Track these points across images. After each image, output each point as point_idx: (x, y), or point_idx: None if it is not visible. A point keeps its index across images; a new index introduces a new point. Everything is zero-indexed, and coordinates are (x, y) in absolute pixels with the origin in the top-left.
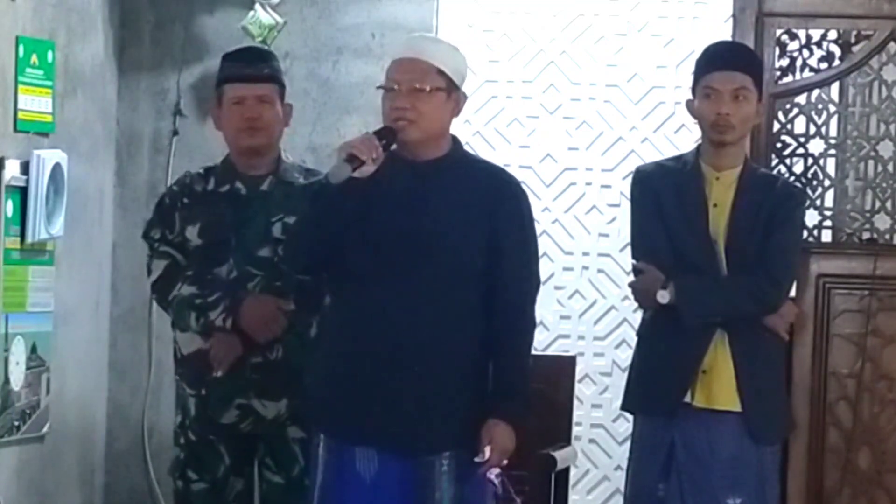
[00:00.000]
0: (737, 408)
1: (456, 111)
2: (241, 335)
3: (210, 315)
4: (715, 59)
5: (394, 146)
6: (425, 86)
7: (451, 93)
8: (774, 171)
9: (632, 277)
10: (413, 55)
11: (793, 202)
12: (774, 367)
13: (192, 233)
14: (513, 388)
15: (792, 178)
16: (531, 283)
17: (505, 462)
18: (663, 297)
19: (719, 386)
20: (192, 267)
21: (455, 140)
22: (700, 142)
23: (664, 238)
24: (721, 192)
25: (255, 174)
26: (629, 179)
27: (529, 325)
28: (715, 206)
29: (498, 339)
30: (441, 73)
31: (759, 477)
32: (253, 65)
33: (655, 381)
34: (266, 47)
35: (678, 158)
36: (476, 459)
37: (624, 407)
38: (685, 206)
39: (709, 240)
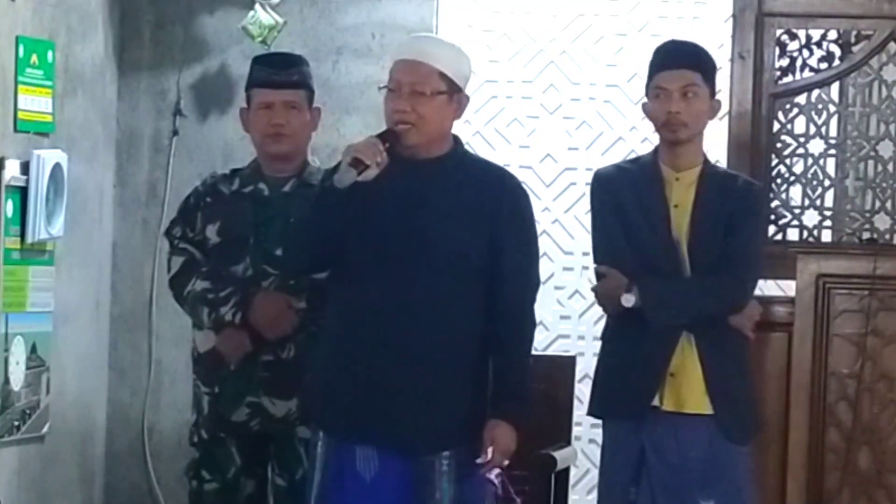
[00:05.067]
0: (706, 410)
1: (458, 113)
2: (251, 331)
3: (221, 310)
4: (662, 59)
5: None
6: (426, 89)
7: (453, 95)
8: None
9: (595, 282)
10: (415, 57)
11: (752, 199)
12: (742, 368)
13: (211, 231)
14: (514, 389)
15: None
16: (531, 283)
17: (506, 462)
18: (628, 300)
19: (688, 389)
20: (210, 264)
21: (456, 139)
22: (658, 143)
23: (626, 241)
24: (681, 193)
25: (280, 176)
26: None
27: (529, 324)
28: (676, 206)
29: (498, 338)
30: (443, 76)
31: (732, 478)
32: (282, 70)
33: (622, 386)
34: (290, 52)
35: (636, 160)
36: (478, 460)
37: (590, 412)
38: (646, 208)
39: (671, 241)
